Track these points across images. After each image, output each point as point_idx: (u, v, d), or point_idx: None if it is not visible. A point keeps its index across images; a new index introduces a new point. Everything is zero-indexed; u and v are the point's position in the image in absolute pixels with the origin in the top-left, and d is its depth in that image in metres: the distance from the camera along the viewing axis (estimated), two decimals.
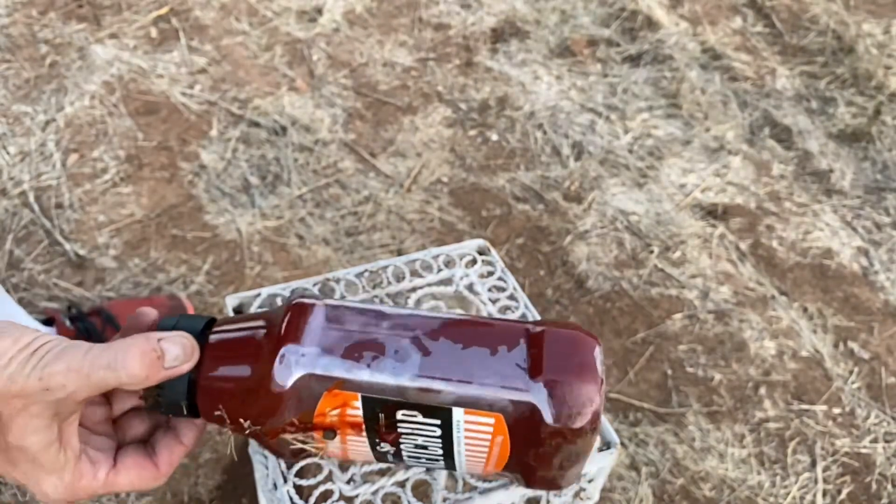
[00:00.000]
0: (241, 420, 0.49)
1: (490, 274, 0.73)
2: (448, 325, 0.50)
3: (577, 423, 0.46)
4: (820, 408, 1.24)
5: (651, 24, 1.93)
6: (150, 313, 0.52)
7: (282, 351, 0.47)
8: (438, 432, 0.48)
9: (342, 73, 1.73)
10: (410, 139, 1.60)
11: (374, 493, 0.56)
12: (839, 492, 1.14)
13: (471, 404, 0.47)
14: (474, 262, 0.74)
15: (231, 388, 0.48)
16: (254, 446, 0.64)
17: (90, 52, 1.70)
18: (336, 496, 0.55)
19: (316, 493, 0.56)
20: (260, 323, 0.50)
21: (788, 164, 1.64)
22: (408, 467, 0.55)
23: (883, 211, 1.56)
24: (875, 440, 1.21)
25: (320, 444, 0.50)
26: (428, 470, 0.54)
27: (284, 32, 1.81)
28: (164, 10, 1.83)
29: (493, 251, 0.75)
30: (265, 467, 0.61)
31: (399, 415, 0.47)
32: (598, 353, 0.49)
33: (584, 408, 0.46)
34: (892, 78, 1.84)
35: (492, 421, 0.47)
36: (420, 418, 0.48)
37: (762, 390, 1.25)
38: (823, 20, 1.99)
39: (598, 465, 0.60)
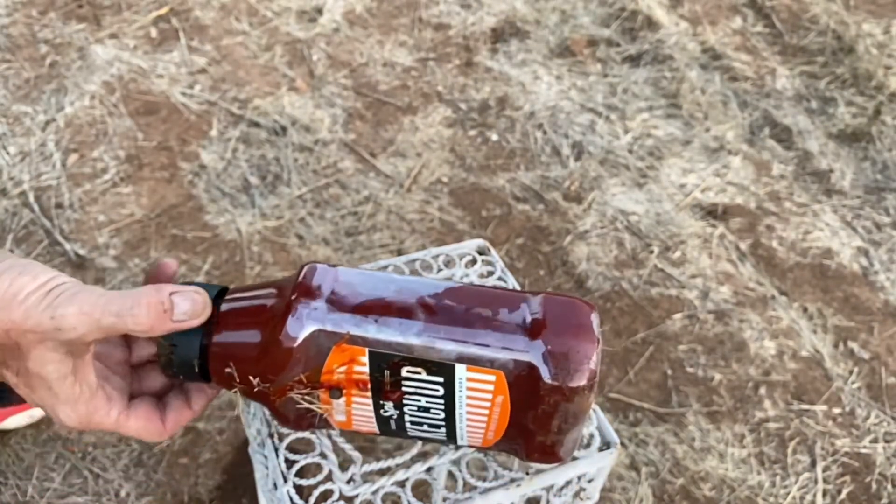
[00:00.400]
0: (251, 377, 0.50)
1: (490, 274, 0.73)
2: (453, 289, 0.52)
3: (575, 380, 0.48)
4: (820, 408, 1.24)
5: (651, 24, 1.93)
6: (171, 265, 0.53)
7: (294, 306, 0.49)
8: (441, 391, 0.50)
9: (342, 73, 1.73)
10: (410, 139, 1.60)
11: (374, 492, 0.56)
12: (839, 492, 1.14)
13: (473, 361, 0.48)
14: (474, 262, 0.74)
15: (243, 345, 0.50)
16: (254, 446, 0.65)
17: (90, 52, 1.70)
18: (336, 496, 0.55)
19: (316, 492, 0.56)
20: (272, 289, 0.52)
21: (788, 164, 1.64)
22: (408, 438, 0.55)
23: (883, 211, 1.56)
24: (875, 440, 1.21)
25: (326, 405, 0.51)
26: (427, 442, 0.55)
27: (284, 32, 1.81)
28: (164, 10, 1.83)
29: (493, 251, 0.75)
30: (265, 467, 0.61)
31: (404, 371, 0.49)
32: (594, 317, 0.51)
33: (581, 365, 0.48)
34: (892, 78, 1.84)
35: (493, 378, 0.49)
36: (424, 375, 0.49)
37: (762, 390, 1.25)
38: (823, 20, 1.99)
39: (597, 465, 0.60)
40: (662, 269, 1.41)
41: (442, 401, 0.50)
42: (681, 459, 1.16)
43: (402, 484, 0.57)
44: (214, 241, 1.37)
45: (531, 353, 0.49)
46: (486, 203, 1.49)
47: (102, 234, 1.37)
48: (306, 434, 0.59)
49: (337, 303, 0.50)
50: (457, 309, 0.50)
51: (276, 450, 0.58)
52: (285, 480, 0.56)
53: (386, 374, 0.49)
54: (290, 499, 0.55)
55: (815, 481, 1.15)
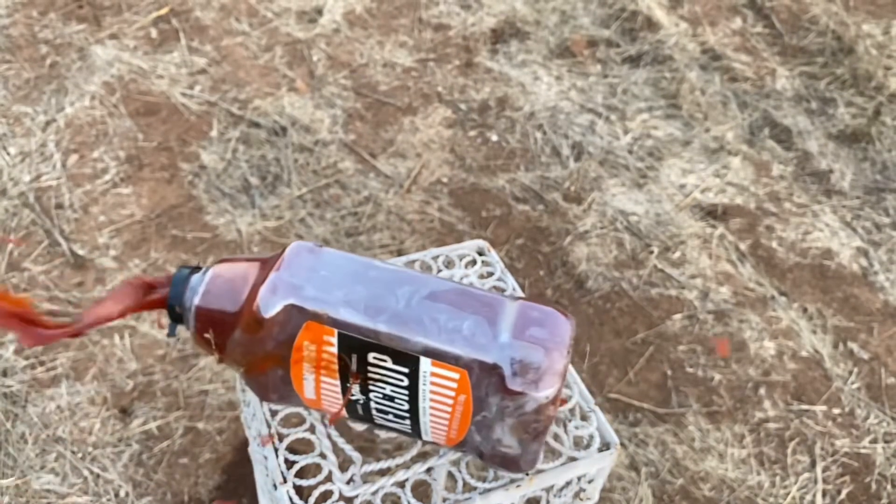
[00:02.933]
0: (226, 345, 0.52)
1: (490, 274, 0.73)
2: (432, 285, 0.52)
3: (540, 390, 0.47)
4: (820, 408, 1.24)
5: (651, 24, 1.93)
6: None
7: (271, 278, 0.50)
8: (406, 382, 0.50)
9: (342, 74, 1.73)
10: (410, 140, 1.60)
11: (374, 493, 0.56)
12: (839, 492, 1.14)
13: (438, 356, 0.48)
14: (474, 262, 0.74)
15: (221, 315, 0.51)
16: (254, 447, 0.65)
17: (90, 53, 1.70)
18: (336, 496, 0.55)
19: (316, 493, 0.56)
20: (258, 262, 0.53)
21: (788, 164, 1.64)
22: (375, 425, 0.55)
23: (882, 211, 1.56)
24: (875, 440, 1.21)
25: (297, 381, 0.52)
26: (394, 432, 0.55)
27: (284, 33, 1.81)
28: (164, 11, 1.83)
29: (492, 252, 0.75)
30: (265, 467, 0.61)
31: (370, 357, 0.49)
32: (569, 329, 0.50)
33: (547, 376, 0.47)
34: (892, 78, 1.84)
35: (456, 376, 0.49)
36: (390, 364, 0.49)
37: (762, 390, 1.25)
38: (823, 21, 1.99)
39: (597, 466, 0.60)
40: (662, 270, 1.41)
41: (406, 392, 0.50)
42: (680, 460, 1.16)
43: (401, 484, 0.57)
44: (214, 241, 1.37)
45: (498, 356, 0.48)
46: (485, 203, 1.49)
47: (102, 234, 1.37)
48: (306, 434, 0.59)
49: (314, 282, 0.50)
50: (431, 304, 0.50)
51: (276, 450, 0.58)
52: (285, 481, 0.56)
53: (353, 357, 0.50)
54: (290, 499, 0.55)
55: (815, 481, 1.15)
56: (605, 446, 0.60)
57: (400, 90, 1.71)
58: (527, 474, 0.57)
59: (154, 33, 1.78)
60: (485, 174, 1.55)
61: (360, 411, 0.53)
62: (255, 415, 0.61)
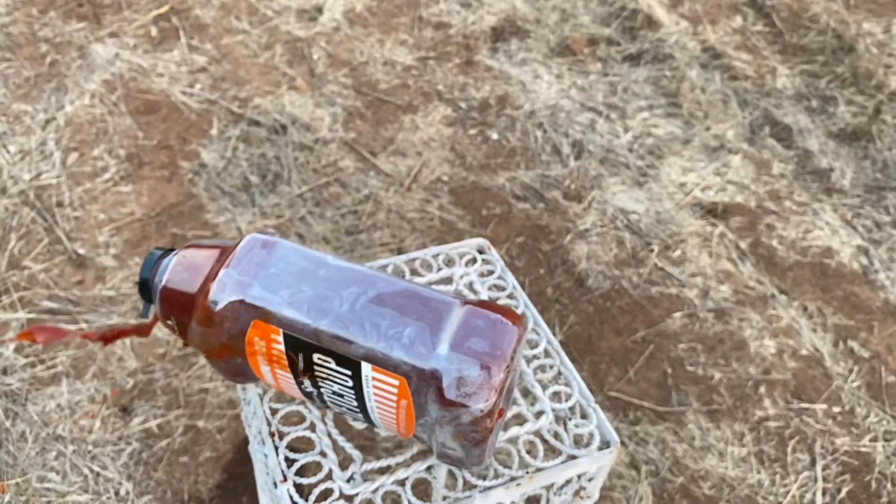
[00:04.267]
0: (187, 332, 0.53)
1: (490, 273, 0.73)
2: (380, 285, 0.52)
3: (474, 402, 0.48)
4: (820, 406, 1.24)
5: (651, 23, 1.92)
6: None
7: (220, 275, 0.51)
8: (350, 383, 0.51)
9: (342, 72, 1.73)
10: (410, 138, 1.60)
11: (374, 491, 0.56)
12: (839, 490, 1.14)
13: (378, 362, 0.49)
14: (474, 260, 0.74)
15: (180, 301, 0.53)
16: (254, 445, 0.65)
17: (90, 51, 1.70)
18: (336, 495, 0.55)
19: (316, 491, 0.56)
20: (219, 249, 0.54)
21: (788, 162, 1.64)
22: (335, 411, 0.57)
23: (883, 210, 1.56)
24: (875, 439, 1.21)
25: (255, 368, 0.54)
26: (354, 418, 0.56)
27: (284, 31, 1.81)
28: (164, 9, 1.83)
29: (492, 250, 0.75)
30: (265, 466, 0.61)
31: (315, 358, 0.50)
32: (514, 339, 0.49)
33: (481, 389, 0.47)
34: (892, 77, 1.84)
35: (396, 383, 0.49)
36: (333, 365, 0.50)
37: (762, 389, 1.25)
38: (823, 19, 1.98)
39: (597, 464, 0.60)
40: (662, 268, 1.41)
41: (353, 391, 0.51)
42: (681, 458, 1.16)
43: (402, 482, 0.57)
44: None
45: (436, 366, 0.48)
46: (486, 202, 1.49)
47: (102, 232, 1.37)
48: (306, 433, 0.59)
49: (261, 279, 0.51)
50: (375, 307, 0.50)
51: (277, 448, 0.58)
52: (285, 479, 0.56)
53: (300, 356, 0.51)
54: (290, 497, 0.55)
55: (815, 480, 1.15)
56: (605, 444, 0.60)
57: (400, 88, 1.71)
58: (527, 472, 0.57)
59: (154, 31, 1.78)
60: (485, 172, 1.54)
61: (317, 401, 0.55)
62: (256, 413, 0.61)
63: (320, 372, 0.51)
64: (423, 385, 0.48)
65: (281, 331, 0.50)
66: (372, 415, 0.53)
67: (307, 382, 0.52)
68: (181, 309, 0.53)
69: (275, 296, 0.51)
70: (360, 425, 0.60)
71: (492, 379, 0.48)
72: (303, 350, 0.50)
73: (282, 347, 0.51)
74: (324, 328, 0.49)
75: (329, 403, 0.54)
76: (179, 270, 0.54)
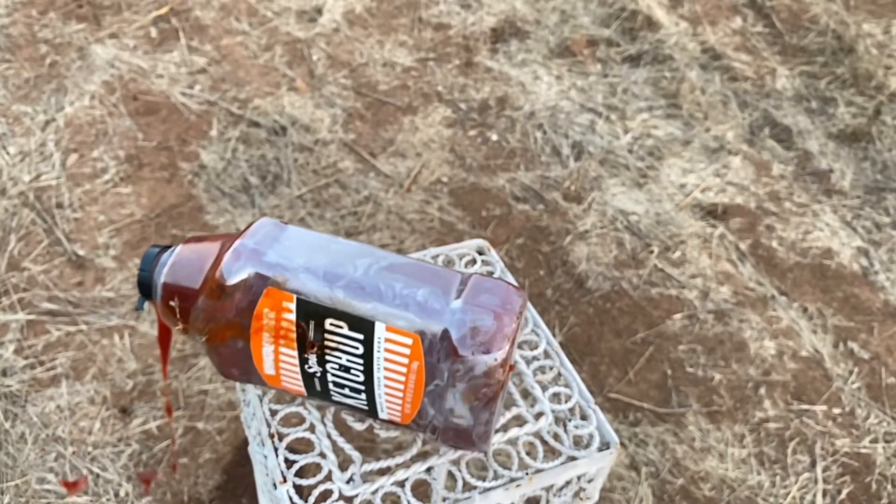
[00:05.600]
0: (190, 313, 0.53)
1: (490, 274, 0.73)
2: (391, 258, 0.54)
3: (487, 352, 0.49)
4: (820, 408, 1.24)
5: (651, 24, 1.93)
6: None
7: (235, 245, 0.52)
8: (360, 350, 0.51)
9: (342, 73, 1.73)
10: (410, 139, 1.60)
11: (374, 492, 0.56)
12: (839, 492, 1.14)
13: (392, 319, 0.50)
14: (474, 262, 0.74)
15: (189, 276, 0.53)
16: (253, 446, 0.64)
17: (90, 52, 1.70)
18: (336, 496, 0.55)
19: (315, 492, 0.56)
20: (226, 238, 0.55)
21: (788, 164, 1.64)
22: (333, 403, 0.56)
23: (883, 211, 1.56)
24: (875, 440, 1.21)
25: (257, 356, 0.54)
26: (351, 410, 0.56)
27: (284, 32, 1.81)
28: (163, 10, 1.83)
29: (492, 251, 0.75)
30: (265, 467, 0.61)
31: (327, 324, 0.51)
32: (519, 301, 0.52)
33: (495, 338, 0.49)
34: (892, 78, 1.84)
35: (409, 342, 0.50)
36: (346, 330, 0.51)
37: (762, 390, 1.25)
38: (823, 20, 1.99)
39: (597, 466, 0.60)
40: (662, 269, 1.41)
41: (361, 361, 0.51)
42: (681, 459, 1.16)
43: (401, 484, 0.57)
44: None
45: (450, 320, 0.50)
46: (485, 203, 1.49)
47: (102, 234, 1.37)
48: (306, 434, 0.59)
49: (276, 250, 0.53)
50: (388, 273, 0.52)
51: (276, 449, 0.58)
52: (285, 480, 0.56)
53: (311, 324, 0.51)
54: (290, 498, 0.55)
55: (815, 481, 1.15)
56: (604, 446, 0.60)
57: (400, 90, 1.71)
58: (527, 473, 0.57)
59: (154, 33, 1.78)
60: (485, 174, 1.54)
61: (318, 386, 0.54)
62: (255, 414, 0.61)
63: (330, 340, 0.51)
64: (437, 341, 0.49)
65: (294, 297, 0.51)
66: (377, 390, 0.52)
67: (312, 360, 0.52)
68: (186, 292, 0.53)
69: (290, 262, 0.52)
70: (359, 426, 0.60)
71: (504, 328, 0.49)
72: (315, 316, 0.51)
73: (293, 317, 0.51)
74: (339, 291, 0.50)
75: (331, 387, 0.54)
76: (189, 250, 0.55)
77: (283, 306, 0.51)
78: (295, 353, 0.52)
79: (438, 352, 0.49)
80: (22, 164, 1.47)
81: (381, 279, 0.51)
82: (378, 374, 0.52)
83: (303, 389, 0.55)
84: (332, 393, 0.54)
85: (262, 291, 0.51)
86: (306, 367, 0.53)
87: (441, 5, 1.93)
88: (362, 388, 0.53)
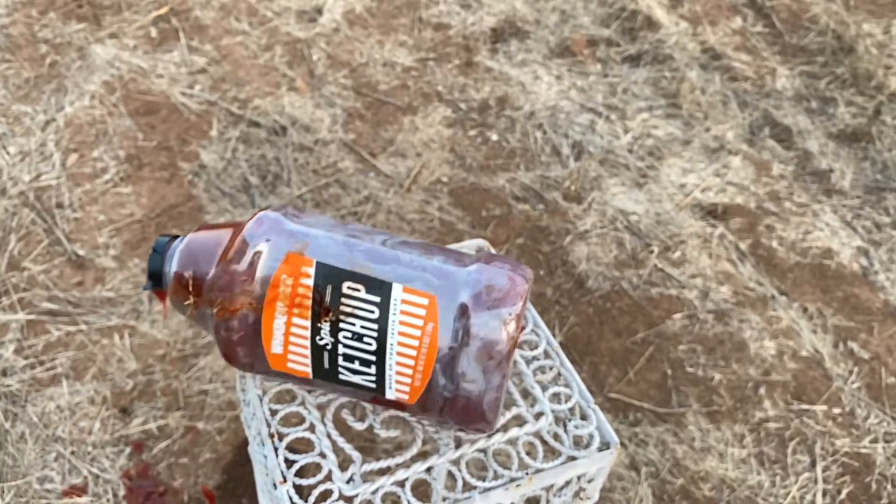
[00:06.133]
0: (203, 286, 0.54)
1: None
2: (404, 237, 0.57)
3: (501, 307, 0.51)
4: (820, 408, 1.24)
5: (651, 24, 1.93)
6: None
7: (258, 215, 0.55)
8: (376, 314, 0.52)
9: (342, 73, 1.73)
10: (410, 139, 1.60)
11: (374, 492, 0.56)
12: (839, 492, 1.14)
13: (409, 281, 0.52)
14: None
15: (207, 247, 0.55)
16: (253, 446, 0.64)
17: (90, 52, 1.70)
18: (336, 496, 0.55)
19: (315, 492, 0.56)
20: (241, 223, 0.58)
21: (788, 164, 1.64)
22: (339, 384, 0.56)
23: (883, 211, 1.56)
24: (875, 440, 1.21)
25: (267, 332, 0.54)
26: (357, 391, 0.56)
27: (284, 32, 1.81)
28: (163, 10, 1.83)
29: (492, 251, 0.75)
30: (265, 467, 0.61)
31: (345, 287, 0.52)
32: (529, 272, 0.56)
33: (508, 295, 0.52)
34: (892, 78, 1.84)
35: (425, 302, 0.51)
36: (363, 293, 0.52)
37: (762, 390, 1.25)
38: (823, 20, 1.99)
39: (597, 466, 0.60)
40: (662, 269, 1.41)
41: (376, 326, 0.52)
42: (681, 459, 1.16)
43: (401, 484, 0.57)
44: None
45: (464, 280, 0.52)
46: (485, 203, 1.49)
47: (102, 233, 1.37)
48: (306, 434, 0.59)
49: (296, 223, 0.55)
50: (404, 245, 0.55)
51: (276, 449, 0.58)
52: (285, 480, 0.56)
53: (328, 289, 0.52)
54: (290, 498, 0.55)
55: (815, 481, 1.15)
56: (604, 446, 0.60)
57: (400, 89, 1.71)
58: (527, 473, 0.57)
59: (154, 32, 1.78)
60: (485, 174, 1.55)
61: (327, 363, 0.54)
62: (255, 414, 0.61)
63: (346, 305, 0.52)
64: (451, 301, 0.51)
65: (314, 261, 0.52)
66: (389, 361, 0.53)
67: (325, 330, 0.53)
68: (206, 255, 0.55)
69: (311, 231, 0.54)
70: (359, 426, 0.60)
71: (517, 287, 0.52)
72: (333, 280, 0.52)
73: (310, 282, 0.52)
74: (359, 253, 0.53)
75: (340, 361, 0.54)
76: (205, 231, 0.57)
77: (302, 271, 0.52)
78: (308, 324, 0.53)
79: (454, 311, 0.51)
80: (22, 164, 1.47)
81: (398, 249, 0.54)
82: (392, 339, 0.52)
83: (309, 370, 0.55)
84: (339, 370, 0.54)
85: (281, 258, 0.52)
86: (317, 338, 0.53)
87: (441, 5, 1.93)
88: (373, 358, 0.53)
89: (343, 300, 0.52)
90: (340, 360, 0.54)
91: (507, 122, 1.66)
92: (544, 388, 0.63)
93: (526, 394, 0.64)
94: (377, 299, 0.52)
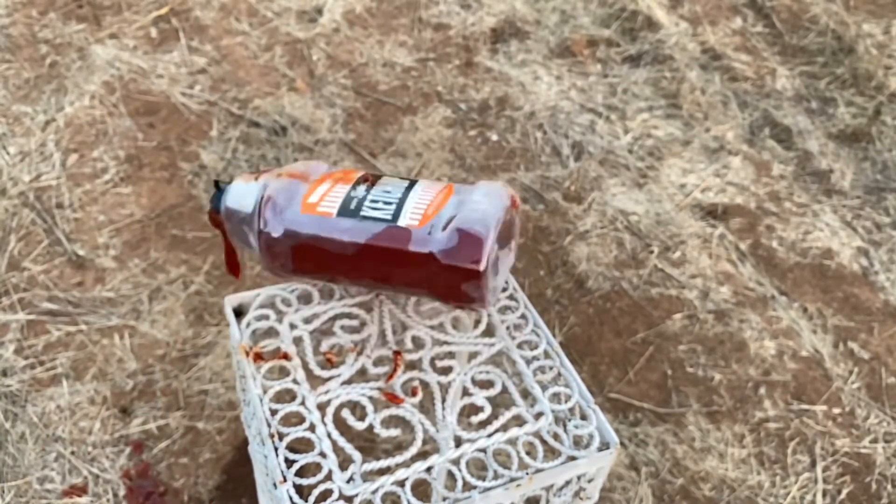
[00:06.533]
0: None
1: None
2: None
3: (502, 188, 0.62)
4: (820, 408, 1.24)
5: (651, 24, 1.93)
6: None
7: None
8: (407, 183, 0.62)
9: (342, 73, 1.73)
10: (410, 139, 1.60)
11: (374, 492, 0.56)
12: (839, 492, 1.14)
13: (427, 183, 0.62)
14: None
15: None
16: (253, 446, 0.64)
17: (90, 53, 1.70)
18: (336, 495, 0.55)
19: (315, 492, 0.56)
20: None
21: (788, 164, 1.64)
22: (359, 217, 0.61)
23: (883, 211, 1.56)
24: (875, 440, 1.21)
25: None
26: (375, 221, 0.62)
27: (284, 32, 1.81)
28: (164, 11, 1.83)
29: None
30: (265, 467, 0.61)
31: (384, 178, 0.63)
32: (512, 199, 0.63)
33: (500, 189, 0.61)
34: (892, 78, 1.84)
35: (446, 181, 0.61)
36: (397, 181, 0.63)
37: (762, 390, 1.25)
38: (823, 20, 1.99)
39: (597, 465, 0.60)
40: (662, 270, 1.41)
41: (406, 183, 0.62)
42: (681, 459, 1.16)
43: (401, 483, 0.57)
44: (214, 241, 1.37)
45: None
46: None
47: (102, 234, 1.37)
48: (306, 433, 0.59)
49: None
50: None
51: (276, 449, 0.58)
52: (285, 480, 0.56)
53: (371, 176, 0.63)
54: (290, 498, 0.55)
55: (815, 481, 1.15)
56: (604, 446, 0.60)
57: (400, 90, 1.71)
58: (527, 473, 0.57)
59: (154, 33, 1.78)
60: (485, 174, 1.55)
61: (353, 205, 0.61)
62: (255, 414, 0.61)
63: (380, 182, 0.62)
64: (466, 187, 0.62)
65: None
66: (409, 203, 0.60)
67: (361, 188, 0.61)
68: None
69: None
70: (360, 426, 0.60)
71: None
72: (376, 175, 0.63)
73: (359, 174, 0.64)
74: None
75: (366, 203, 0.60)
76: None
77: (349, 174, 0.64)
78: (348, 187, 0.61)
79: (468, 187, 0.62)
80: (22, 164, 1.47)
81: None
82: (418, 186, 0.62)
83: (335, 210, 0.60)
84: (363, 208, 0.60)
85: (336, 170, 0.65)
86: (351, 193, 0.61)
87: (441, 5, 1.93)
88: (396, 199, 0.60)
89: (384, 177, 0.63)
90: (366, 203, 0.60)
91: (507, 122, 1.66)
92: (544, 388, 0.63)
93: (526, 394, 0.64)
94: (409, 182, 0.62)
